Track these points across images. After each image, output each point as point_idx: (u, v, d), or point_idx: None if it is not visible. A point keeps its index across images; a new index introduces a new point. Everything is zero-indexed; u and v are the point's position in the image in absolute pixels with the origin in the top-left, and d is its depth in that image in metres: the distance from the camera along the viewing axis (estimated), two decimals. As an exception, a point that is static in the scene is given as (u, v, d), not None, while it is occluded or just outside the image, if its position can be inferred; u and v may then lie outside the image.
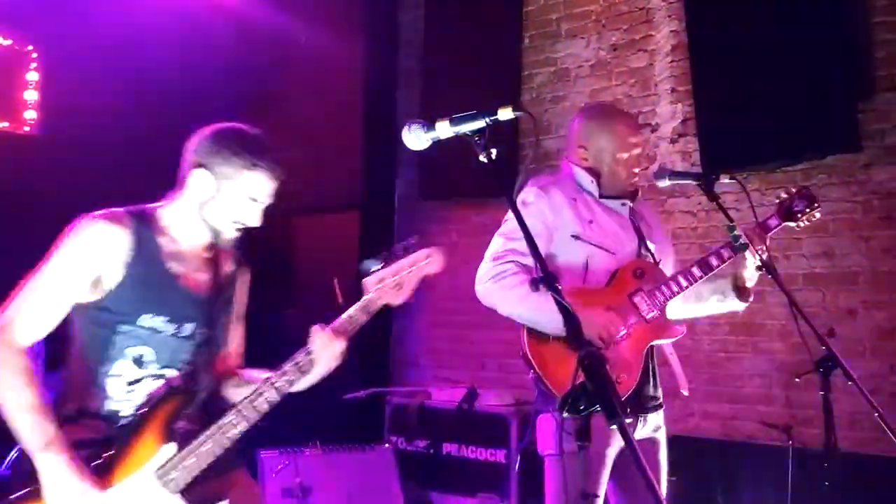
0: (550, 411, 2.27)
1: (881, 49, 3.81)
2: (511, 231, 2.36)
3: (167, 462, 1.80)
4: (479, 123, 1.57)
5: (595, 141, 2.44)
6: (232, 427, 1.83)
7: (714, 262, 2.41)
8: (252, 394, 1.86)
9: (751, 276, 2.43)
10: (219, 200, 1.89)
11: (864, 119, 3.78)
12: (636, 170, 2.47)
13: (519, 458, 3.94)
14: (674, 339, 2.40)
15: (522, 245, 2.24)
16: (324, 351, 1.89)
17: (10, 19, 4.85)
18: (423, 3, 5.24)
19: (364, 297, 1.97)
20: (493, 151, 1.56)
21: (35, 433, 1.70)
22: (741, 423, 4.13)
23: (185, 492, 1.81)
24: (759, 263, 2.38)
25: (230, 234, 1.94)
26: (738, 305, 2.45)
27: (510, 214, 2.35)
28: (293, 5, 5.11)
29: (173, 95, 4.90)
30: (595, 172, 2.45)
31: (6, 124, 5.07)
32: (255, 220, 1.93)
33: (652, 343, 2.36)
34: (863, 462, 3.52)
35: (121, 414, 1.84)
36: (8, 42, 5.07)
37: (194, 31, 4.95)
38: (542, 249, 2.25)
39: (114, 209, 1.87)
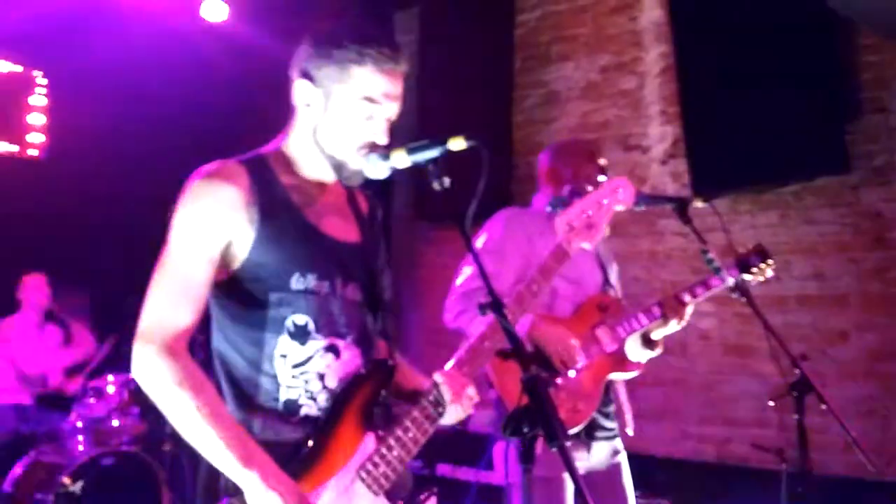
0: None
1: (867, 71, 3.83)
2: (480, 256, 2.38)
3: (371, 456, 1.54)
4: (434, 153, 1.60)
5: (559, 177, 2.50)
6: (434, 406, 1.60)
7: (677, 302, 2.42)
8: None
9: (661, 331, 2.44)
10: (331, 116, 1.58)
11: (852, 141, 3.79)
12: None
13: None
14: (631, 375, 2.44)
15: (493, 268, 2.27)
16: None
17: (18, 45, 4.99)
18: (416, 27, 5.33)
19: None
20: (447, 180, 1.59)
21: (227, 447, 1.40)
22: (735, 445, 4.10)
23: (391, 492, 1.56)
24: (733, 286, 2.41)
25: (355, 163, 1.60)
26: (648, 354, 2.47)
27: (481, 241, 2.40)
28: (287, 30, 5.20)
29: (175, 117, 5.01)
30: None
31: (15, 148, 5.20)
32: (380, 135, 1.60)
33: (610, 376, 2.40)
34: (856, 485, 3.49)
35: (300, 402, 1.53)
36: (18, 68, 5.23)
37: (193, 55, 5.06)
38: (511, 274, 2.29)
39: (225, 160, 1.58)
